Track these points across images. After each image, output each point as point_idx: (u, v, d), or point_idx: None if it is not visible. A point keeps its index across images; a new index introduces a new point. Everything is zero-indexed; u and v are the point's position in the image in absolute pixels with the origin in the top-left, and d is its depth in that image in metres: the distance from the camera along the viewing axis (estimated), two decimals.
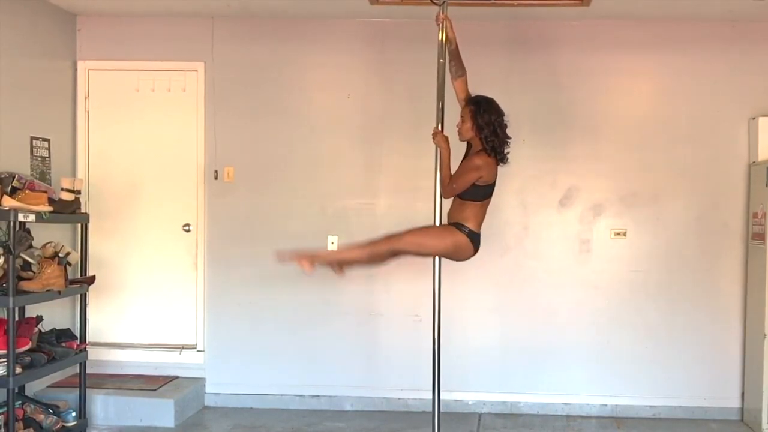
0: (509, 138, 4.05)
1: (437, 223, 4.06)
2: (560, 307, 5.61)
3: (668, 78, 5.58)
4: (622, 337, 5.59)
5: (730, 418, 5.49)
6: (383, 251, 4.05)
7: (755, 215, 5.33)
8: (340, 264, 4.18)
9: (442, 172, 3.99)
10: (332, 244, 5.68)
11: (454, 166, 4.03)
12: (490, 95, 4.20)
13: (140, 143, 5.80)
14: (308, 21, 5.67)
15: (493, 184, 4.08)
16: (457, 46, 4.07)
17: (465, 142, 4.13)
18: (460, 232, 4.00)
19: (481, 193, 4.04)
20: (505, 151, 4.05)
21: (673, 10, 5.31)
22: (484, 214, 4.09)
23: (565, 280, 5.63)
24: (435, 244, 4.02)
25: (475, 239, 4.04)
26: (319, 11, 5.53)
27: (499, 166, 4.06)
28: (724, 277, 5.54)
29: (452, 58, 4.09)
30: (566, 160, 5.62)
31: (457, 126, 4.08)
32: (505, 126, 4.04)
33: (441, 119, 4.07)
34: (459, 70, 4.11)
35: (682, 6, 5.23)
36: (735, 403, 5.51)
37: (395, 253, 4.07)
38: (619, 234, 5.61)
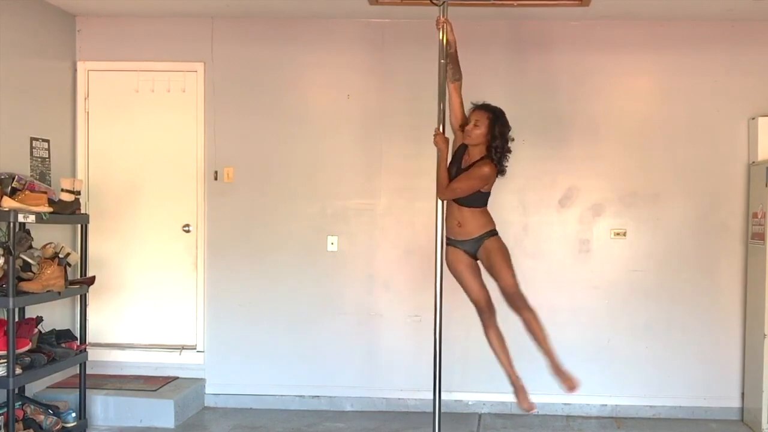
0: (510, 152, 4.16)
1: (440, 234, 4.11)
2: (560, 307, 5.60)
3: (668, 78, 5.58)
4: (622, 337, 5.59)
5: (730, 418, 5.49)
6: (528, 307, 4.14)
7: (755, 215, 5.33)
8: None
9: (439, 173, 4.00)
10: (332, 244, 5.68)
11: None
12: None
13: (140, 144, 5.79)
14: (308, 21, 5.67)
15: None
16: (456, 50, 4.09)
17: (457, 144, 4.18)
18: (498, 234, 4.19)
19: (484, 199, 4.14)
20: (505, 165, 4.15)
21: (672, 10, 5.31)
22: None
23: (565, 280, 5.63)
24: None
25: None
26: (319, 11, 5.52)
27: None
28: (724, 277, 5.54)
29: (450, 61, 4.10)
30: (566, 160, 5.62)
31: (467, 129, 4.08)
32: (511, 140, 4.15)
33: (442, 120, 4.08)
34: (456, 74, 4.12)
35: (682, 6, 5.23)
36: (735, 403, 5.52)
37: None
38: (618, 234, 5.61)
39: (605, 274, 5.60)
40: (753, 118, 5.44)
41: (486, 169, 4.02)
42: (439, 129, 4.06)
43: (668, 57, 5.56)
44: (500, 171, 4.12)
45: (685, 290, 5.55)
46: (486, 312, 4.17)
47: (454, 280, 4.25)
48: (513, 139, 4.15)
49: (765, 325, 5.12)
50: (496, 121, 4.06)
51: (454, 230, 4.14)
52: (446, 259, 4.17)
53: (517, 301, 4.05)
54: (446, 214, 4.14)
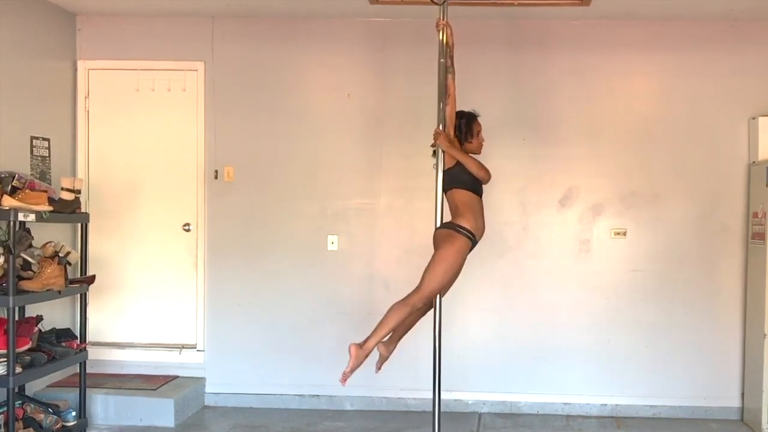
0: None
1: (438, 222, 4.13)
2: (560, 306, 5.61)
3: (668, 78, 5.58)
4: (622, 337, 5.59)
5: (730, 418, 5.50)
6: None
7: (755, 215, 5.33)
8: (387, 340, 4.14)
9: (471, 165, 4.02)
10: (332, 244, 5.68)
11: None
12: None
13: (140, 143, 5.80)
14: (308, 21, 5.67)
15: None
16: (453, 54, 4.11)
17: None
18: None
19: None
20: None
21: (673, 10, 5.32)
22: None
23: (565, 280, 5.63)
24: None
25: None
26: (319, 11, 5.53)
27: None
28: (724, 277, 5.54)
29: (450, 63, 4.11)
30: (566, 159, 5.62)
31: (480, 140, 4.19)
32: None
33: (443, 120, 4.08)
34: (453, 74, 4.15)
35: (682, 6, 5.23)
36: (735, 403, 5.52)
37: None
38: (619, 234, 5.61)
39: (605, 274, 5.60)
40: (753, 118, 5.44)
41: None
42: (439, 129, 4.05)
43: (668, 57, 5.56)
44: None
45: (685, 290, 5.55)
46: (426, 302, 4.10)
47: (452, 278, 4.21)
48: None
49: (765, 325, 5.12)
50: None
51: (480, 229, 4.10)
52: (456, 247, 4.00)
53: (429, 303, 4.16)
54: (475, 210, 4.07)
